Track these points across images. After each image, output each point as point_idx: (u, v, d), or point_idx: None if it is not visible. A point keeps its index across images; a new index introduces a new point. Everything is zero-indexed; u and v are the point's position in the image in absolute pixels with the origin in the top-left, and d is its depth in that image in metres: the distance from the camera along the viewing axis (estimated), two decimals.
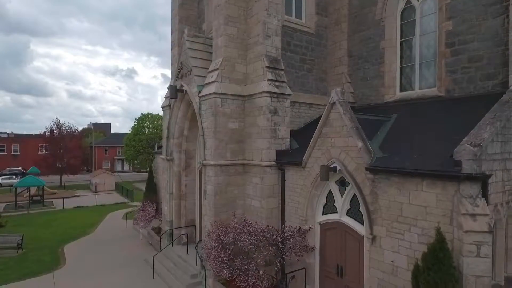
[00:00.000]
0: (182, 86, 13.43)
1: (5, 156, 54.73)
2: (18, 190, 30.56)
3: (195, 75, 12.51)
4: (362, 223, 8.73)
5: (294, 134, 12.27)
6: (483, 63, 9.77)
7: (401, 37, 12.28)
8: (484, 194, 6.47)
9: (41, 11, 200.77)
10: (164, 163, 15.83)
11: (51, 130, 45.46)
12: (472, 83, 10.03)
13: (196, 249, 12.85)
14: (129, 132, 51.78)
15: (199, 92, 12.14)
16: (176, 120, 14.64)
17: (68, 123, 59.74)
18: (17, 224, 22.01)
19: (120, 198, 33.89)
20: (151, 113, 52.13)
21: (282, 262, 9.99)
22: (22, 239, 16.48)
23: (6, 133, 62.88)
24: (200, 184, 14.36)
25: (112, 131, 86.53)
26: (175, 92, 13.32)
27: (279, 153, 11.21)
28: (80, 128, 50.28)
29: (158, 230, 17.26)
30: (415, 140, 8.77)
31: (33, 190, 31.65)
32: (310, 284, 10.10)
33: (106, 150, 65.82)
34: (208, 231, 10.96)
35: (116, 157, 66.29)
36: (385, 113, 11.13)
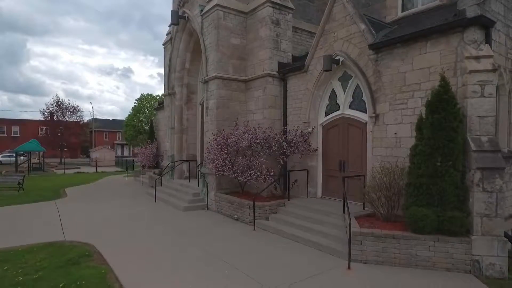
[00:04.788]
0: (184, 13, 13.43)
1: (5, 137, 54.48)
2: (19, 162, 30.53)
3: None
4: (365, 111, 8.74)
5: (295, 59, 12.26)
6: None
7: None
8: (488, 41, 6.49)
9: (36, 9, 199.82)
10: (166, 99, 15.81)
11: (51, 113, 45.33)
12: None
13: (198, 168, 12.86)
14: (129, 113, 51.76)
15: (201, 11, 12.15)
16: (178, 52, 14.64)
17: (69, 100, 58.70)
18: None
19: (120, 170, 33.85)
20: (151, 94, 52.11)
21: (285, 159, 9.99)
22: (23, 179, 16.46)
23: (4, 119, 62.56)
24: (202, 119, 14.37)
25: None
26: (176, 17, 13.31)
27: (281, 65, 11.21)
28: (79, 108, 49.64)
29: (159, 173, 17.24)
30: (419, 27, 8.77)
31: (33, 161, 31.62)
32: (312, 187, 10.10)
33: (106, 135, 65.70)
34: (211, 141, 10.95)
35: (116, 142, 66.15)
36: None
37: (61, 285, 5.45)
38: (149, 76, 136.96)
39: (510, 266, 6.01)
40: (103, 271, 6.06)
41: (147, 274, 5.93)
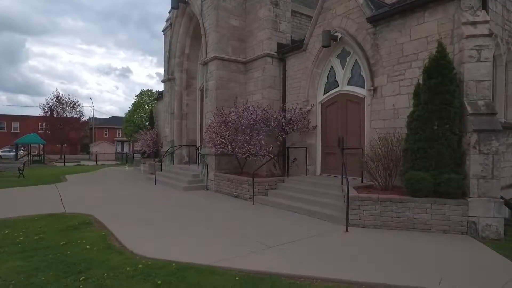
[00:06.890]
0: None
1: (5, 133, 54.50)
2: (19, 156, 30.60)
3: None
4: (363, 86, 8.80)
5: (294, 43, 12.28)
6: None
7: None
8: (484, 8, 6.54)
9: (34, 9, 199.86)
10: (165, 85, 15.86)
11: (51, 108, 45.41)
12: None
13: (198, 150, 12.92)
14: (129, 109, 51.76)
15: None
16: (178, 37, 14.70)
17: (69, 95, 57.95)
18: None
19: (120, 163, 33.91)
20: (151, 90, 52.08)
21: (284, 136, 10.05)
22: (23, 166, 16.51)
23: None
24: (202, 104, 14.42)
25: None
26: (176, 1, 13.36)
27: (280, 46, 11.27)
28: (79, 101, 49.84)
29: (159, 161, 17.29)
30: None
31: (33, 154, 31.71)
32: (311, 165, 10.15)
33: (106, 131, 65.71)
34: (210, 121, 11.01)
35: (116, 139, 66.11)
36: None
37: (62, 243, 5.51)
38: (148, 75, 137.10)
39: (506, 230, 6.07)
40: (103, 233, 6.13)
41: (147, 237, 5.99)
